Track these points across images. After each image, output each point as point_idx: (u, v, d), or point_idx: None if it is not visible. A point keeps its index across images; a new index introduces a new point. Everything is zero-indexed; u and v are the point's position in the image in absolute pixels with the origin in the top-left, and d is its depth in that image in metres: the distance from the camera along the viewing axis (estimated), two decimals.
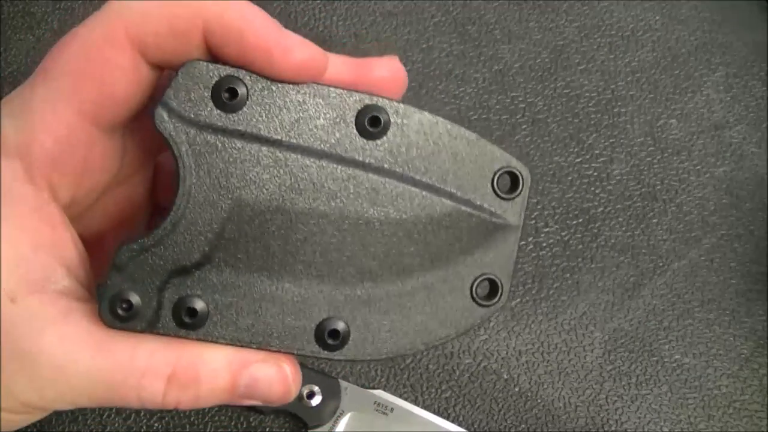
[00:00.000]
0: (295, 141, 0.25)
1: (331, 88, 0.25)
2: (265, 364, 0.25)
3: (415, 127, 0.26)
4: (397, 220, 0.26)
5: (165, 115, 0.24)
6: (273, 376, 0.25)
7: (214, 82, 0.24)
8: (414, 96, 0.49)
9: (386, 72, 0.26)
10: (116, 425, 0.40)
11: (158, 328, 0.24)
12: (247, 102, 0.25)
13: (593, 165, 0.49)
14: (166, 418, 0.40)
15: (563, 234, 0.47)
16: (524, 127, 0.49)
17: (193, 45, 0.24)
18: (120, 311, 0.24)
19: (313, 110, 0.25)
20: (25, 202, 0.24)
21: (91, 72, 0.24)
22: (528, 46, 0.52)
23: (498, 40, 0.52)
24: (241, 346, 0.25)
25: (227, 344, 0.25)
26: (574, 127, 0.50)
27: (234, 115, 0.24)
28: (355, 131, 0.25)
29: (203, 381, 0.25)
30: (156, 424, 0.40)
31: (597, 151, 0.49)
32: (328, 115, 0.25)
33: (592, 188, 0.48)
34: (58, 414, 0.40)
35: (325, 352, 0.26)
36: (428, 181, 0.26)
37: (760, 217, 0.48)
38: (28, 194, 0.24)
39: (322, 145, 0.25)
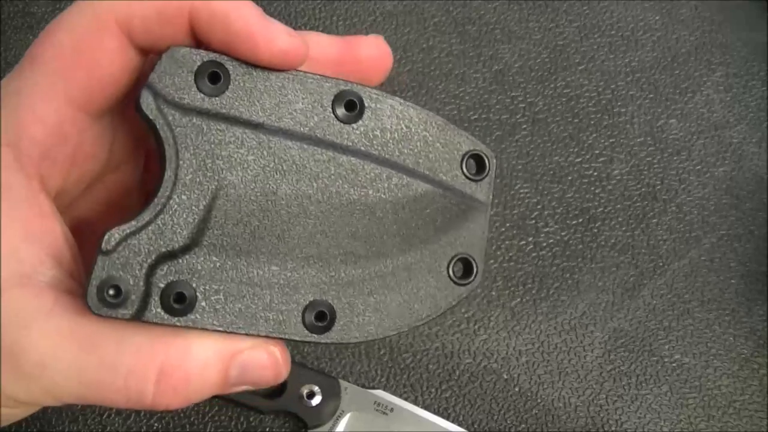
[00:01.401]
0: (276, 124, 0.25)
1: (309, 74, 0.26)
2: (255, 351, 0.25)
3: (388, 111, 0.26)
4: (376, 200, 0.26)
5: (150, 98, 0.24)
6: (264, 361, 0.25)
7: (197, 66, 0.25)
8: (414, 96, 0.49)
9: (374, 51, 0.27)
10: (116, 425, 0.40)
11: (147, 315, 0.24)
12: (230, 86, 0.25)
13: (593, 165, 0.49)
14: (166, 418, 0.40)
15: (563, 234, 0.47)
16: (524, 127, 0.49)
17: (180, 30, 0.24)
18: (107, 297, 0.23)
19: (292, 95, 0.25)
20: (14, 192, 0.24)
21: (80, 57, 0.24)
22: (528, 46, 0.52)
23: (498, 40, 0.52)
24: (230, 332, 0.25)
25: (215, 331, 0.25)
26: (574, 127, 0.50)
27: (216, 98, 0.25)
28: (332, 115, 0.26)
29: (193, 379, 0.24)
30: (156, 424, 0.40)
31: (597, 151, 0.49)
32: (306, 100, 0.26)
33: (592, 188, 0.48)
34: (58, 414, 0.40)
35: (313, 335, 0.26)
36: (403, 163, 0.27)
37: (760, 217, 0.48)
38: (18, 184, 0.24)
39: (302, 129, 0.26)
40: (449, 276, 0.27)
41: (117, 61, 0.25)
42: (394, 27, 0.51)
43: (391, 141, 0.27)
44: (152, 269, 0.24)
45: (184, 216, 0.24)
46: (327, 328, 0.26)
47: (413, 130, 0.27)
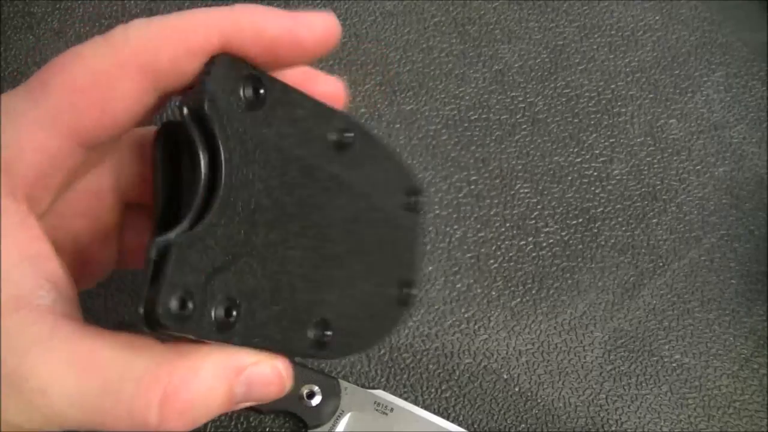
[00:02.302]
0: (293, 149, 0.26)
1: (322, 105, 0.27)
2: (259, 366, 0.25)
3: (373, 150, 0.29)
4: (362, 225, 0.28)
5: (206, 102, 0.23)
6: (268, 377, 0.25)
7: (243, 75, 0.24)
8: (414, 96, 0.49)
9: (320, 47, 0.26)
10: None
11: (204, 332, 0.22)
12: (266, 102, 0.25)
13: (593, 165, 0.49)
14: None
15: (563, 234, 0.47)
16: (524, 127, 0.49)
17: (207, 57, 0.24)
18: (174, 312, 0.21)
19: (305, 119, 0.26)
20: (7, 216, 0.23)
21: (94, 98, 0.24)
22: (528, 46, 0.52)
23: (498, 40, 0.52)
24: (253, 347, 0.24)
25: (252, 347, 0.24)
26: (574, 127, 0.50)
27: (255, 112, 0.24)
28: (331, 145, 0.27)
29: (198, 402, 0.23)
30: None
31: (597, 151, 0.49)
32: (314, 131, 0.27)
33: (592, 188, 0.48)
34: None
35: (322, 352, 0.26)
36: (372, 193, 0.29)
37: (760, 217, 0.48)
38: (10, 208, 0.23)
39: (306, 155, 0.26)
40: (397, 299, 0.30)
41: (131, 104, 0.24)
42: (394, 27, 0.51)
43: (369, 172, 0.28)
44: (208, 281, 0.23)
45: (237, 227, 0.23)
46: (332, 344, 0.26)
47: (382, 167, 0.29)
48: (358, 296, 0.28)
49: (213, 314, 0.22)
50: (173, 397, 0.23)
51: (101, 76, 0.23)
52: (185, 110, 0.23)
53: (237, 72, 0.24)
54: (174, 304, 0.21)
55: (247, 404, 0.26)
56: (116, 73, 0.23)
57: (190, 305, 0.22)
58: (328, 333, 0.26)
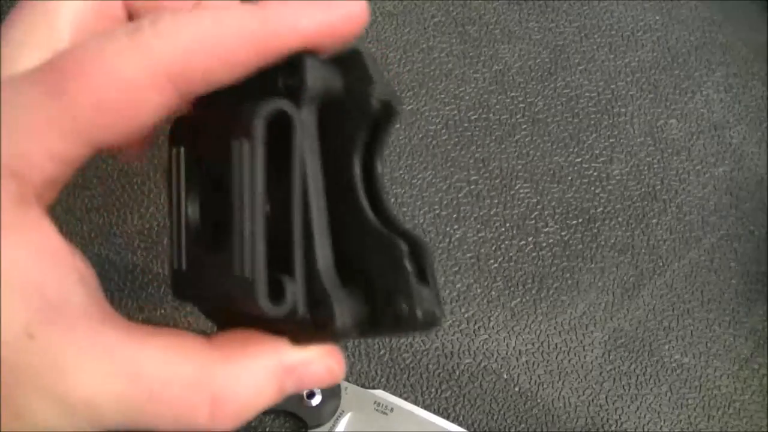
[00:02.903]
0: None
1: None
2: (311, 367, 0.24)
3: None
4: None
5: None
6: (321, 375, 0.25)
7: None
8: (414, 96, 0.49)
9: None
10: None
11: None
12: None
13: (593, 165, 0.49)
14: None
15: (563, 234, 0.47)
16: (524, 127, 0.49)
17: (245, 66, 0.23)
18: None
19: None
20: (23, 225, 0.22)
21: (119, 111, 0.22)
22: (528, 46, 0.52)
23: (498, 40, 0.52)
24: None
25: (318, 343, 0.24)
26: (574, 127, 0.50)
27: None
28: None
29: (249, 404, 0.23)
30: None
31: (597, 151, 0.49)
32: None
33: (592, 188, 0.48)
34: None
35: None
36: None
37: (760, 217, 0.48)
38: (25, 215, 0.22)
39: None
40: None
41: (157, 115, 0.23)
42: (394, 27, 0.51)
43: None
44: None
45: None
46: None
47: None
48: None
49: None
50: (223, 401, 0.23)
51: (128, 87, 0.22)
52: (295, 123, 0.22)
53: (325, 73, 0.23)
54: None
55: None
56: (145, 84, 0.22)
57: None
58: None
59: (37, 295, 0.21)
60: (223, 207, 0.22)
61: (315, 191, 0.23)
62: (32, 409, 0.21)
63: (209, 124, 0.23)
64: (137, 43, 0.22)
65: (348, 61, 0.23)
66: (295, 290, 0.22)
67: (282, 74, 0.23)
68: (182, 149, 0.24)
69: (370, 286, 0.23)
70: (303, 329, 0.23)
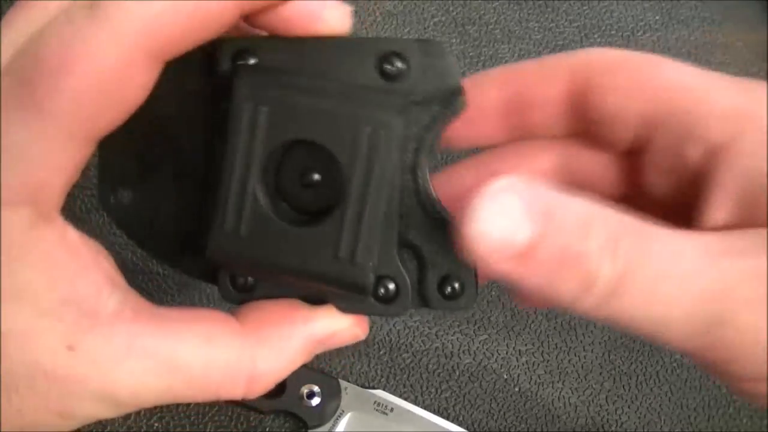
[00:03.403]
0: None
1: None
2: (338, 336, 0.26)
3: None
4: None
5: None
6: (347, 340, 0.26)
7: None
8: None
9: None
10: (116, 425, 0.40)
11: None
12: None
13: None
14: (166, 418, 0.40)
15: None
16: None
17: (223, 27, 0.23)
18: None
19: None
20: (45, 245, 0.22)
21: (108, 100, 0.21)
22: (528, 46, 0.52)
23: (498, 40, 0.52)
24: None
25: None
26: None
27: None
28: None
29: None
30: (156, 424, 0.40)
31: None
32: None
33: None
34: None
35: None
36: None
37: None
38: (43, 235, 0.22)
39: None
40: None
41: (144, 90, 0.22)
42: (394, 27, 0.51)
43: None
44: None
45: None
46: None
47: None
48: None
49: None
50: (258, 379, 0.24)
51: (111, 76, 0.21)
52: None
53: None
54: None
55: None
56: (126, 67, 0.21)
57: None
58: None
59: (71, 309, 0.22)
60: (335, 188, 0.24)
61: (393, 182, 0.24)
62: (83, 408, 0.23)
63: (318, 106, 0.23)
64: (100, 22, 0.20)
65: (431, 48, 0.24)
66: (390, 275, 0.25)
67: (385, 60, 0.24)
68: (265, 109, 0.23)
69: (423, 266, 0.25)
70: (363, 303, 0.25)
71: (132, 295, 0.24)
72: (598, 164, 0.28)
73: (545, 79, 0.26)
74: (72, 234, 0.23)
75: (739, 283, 0.21)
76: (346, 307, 0.26)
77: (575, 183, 0.28)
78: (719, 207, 0.24)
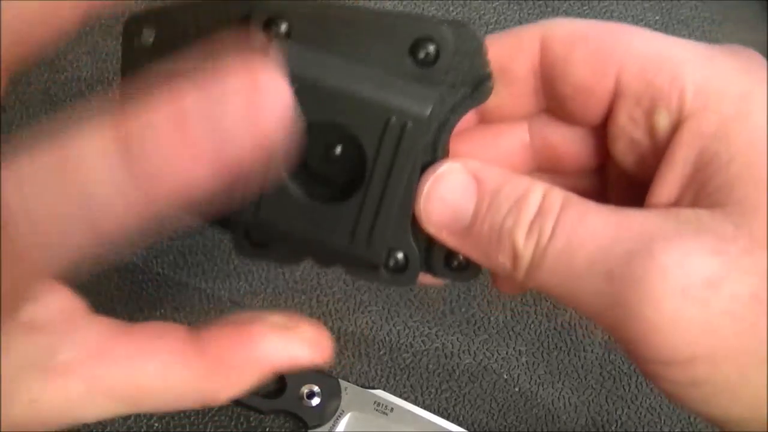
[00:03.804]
0: None
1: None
2: (294, 360, 0.26)
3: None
4: None
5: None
6: (302, 363, 0.27)
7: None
8: None
9: None
10: (116, 425, 0.40)
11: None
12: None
13: None
14: (166, 418, 0.40)
15: None
16: None
17: None
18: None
19: None
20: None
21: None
22: None
23: None
24: None
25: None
26: None
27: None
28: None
29: (234, 397, 0.26)
30: (156, 424, 0.40)
31: None
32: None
33: None
34: None
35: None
36: None
37: None
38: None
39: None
40: None
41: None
42: None
43: None
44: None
45: None
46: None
47: None
48: None
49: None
50: (213, 400, 0.25)
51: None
52: None
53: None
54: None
55: None
56: None
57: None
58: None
59: (30, 369, 0.23)
60: (359, 163, 0.24)
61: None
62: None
63: (348, 92, 0.24)
64: None
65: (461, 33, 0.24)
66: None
67: (416, 48, 0.24)
68: (294, 88, 0.23)
69: (432, 238, 0.25)
70: (373, 273, 0.26)
71: (91, 333, 0.24)
72: (571, 139, 0.28)
73: (518, 53, 0.26)
74: (24, 312, 0.24)
75: (641, 267, 0.21)
76: (355, 273, 0.26)
77: (548, 158, 0.28)
78: (667, 184, 0.24)
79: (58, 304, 0.25)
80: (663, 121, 0.24)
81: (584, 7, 0.53)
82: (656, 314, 0.21)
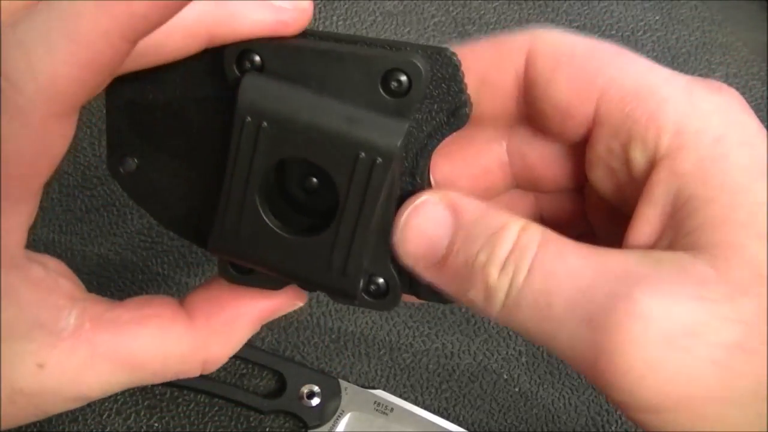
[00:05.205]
0: None
1: None
2: (279, 309, 0.28)
3: None
4: None
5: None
6: (286, 310, 0.28)
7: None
8: None
9: None
10: (116, 425, 0.40)
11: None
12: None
13: None
14: (166, 418, 0.40)
15: None
16: None
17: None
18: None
19: None
20: (11, 286, 0.23)
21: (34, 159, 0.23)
22: None
23: None
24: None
25: None
26: None
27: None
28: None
29: (233, 353, 0.27)
30: (156, 424, 0.40)
31: None
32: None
33: None
34: (58, 414, 0.40)
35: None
36: None
37: None
38: (10, 280, 0.23)
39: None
40: None
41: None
42: (394, 27, 0.51)
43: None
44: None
45: None
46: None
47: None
48: None
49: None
50: (212, 361, 0.27)
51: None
52: None
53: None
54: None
55: None
56: (42, 136, 0.21)
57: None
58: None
59: (38, 333, 0.24)
60: (326, 202, 0.24)
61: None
62: (57, 409, 0.26)
63: (317, 128, 0.23)
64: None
65: (439, 59, 0.24)
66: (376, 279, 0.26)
67: (390, 78, 0.23)
68: (266, 125, 0.24)
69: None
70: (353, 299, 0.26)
71: (91, 304, 0.25)
72: (550, 158, 0.27)
73: (503, 63, 0.26)
74: (35, 271, 0.24)
75: (622, 312, 0.21)
76: (337, 299, 0.26)
77: (525, 172, 0.28)
78: (648, 222, 0.23)
79: (63, 279, 0.25)
80: (639, 157, 0.24)
81: (584, 7, 0.53)
82: (638, 362, 0.21)
